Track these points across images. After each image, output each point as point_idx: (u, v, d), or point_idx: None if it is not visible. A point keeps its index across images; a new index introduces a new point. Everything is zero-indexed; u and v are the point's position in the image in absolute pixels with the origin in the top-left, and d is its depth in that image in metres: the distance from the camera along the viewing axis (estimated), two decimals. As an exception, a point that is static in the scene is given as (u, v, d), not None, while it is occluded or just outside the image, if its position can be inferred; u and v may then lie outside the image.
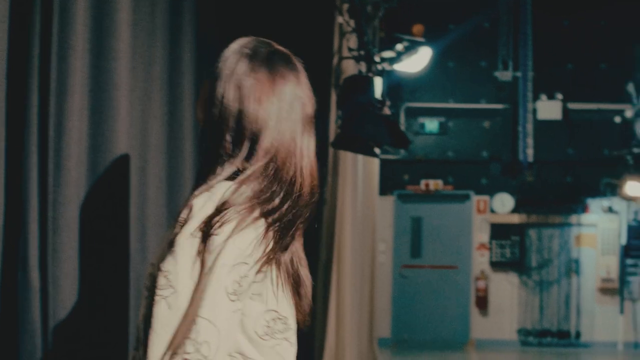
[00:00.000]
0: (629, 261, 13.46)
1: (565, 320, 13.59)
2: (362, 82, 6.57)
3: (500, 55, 13.74)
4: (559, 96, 13.60)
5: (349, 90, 6.50)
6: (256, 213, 2.01)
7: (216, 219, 1.96)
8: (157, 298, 1.97)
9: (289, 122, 2.12)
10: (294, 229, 2.10)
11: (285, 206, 2.08)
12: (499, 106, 13.83)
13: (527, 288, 13.62)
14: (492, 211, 13.70)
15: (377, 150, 6.82)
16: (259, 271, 2.01)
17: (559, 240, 13.65)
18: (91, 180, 2.84)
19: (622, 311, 13.44)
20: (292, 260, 2.13)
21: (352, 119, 6.35)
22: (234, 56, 2.14)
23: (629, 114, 13.12)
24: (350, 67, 7.62)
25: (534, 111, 13.67)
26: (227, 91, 2.11)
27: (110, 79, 2.90)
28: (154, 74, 3.39)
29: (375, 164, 10.74)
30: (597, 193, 13.67)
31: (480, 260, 13.68)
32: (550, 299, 13.60)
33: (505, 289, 13.65)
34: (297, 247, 2.16)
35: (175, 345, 1.92)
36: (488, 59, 13.88)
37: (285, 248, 2.09)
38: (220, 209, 1.97)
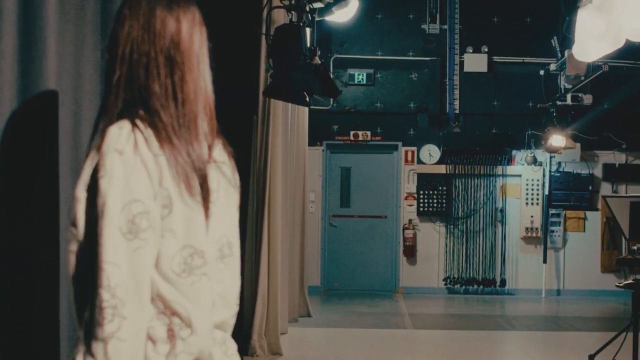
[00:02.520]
0: (552, 211, 13.67)
1: (491, 268, 13.71)
2: (293, 32, 6.54)
3: (428, 8, 13.79)
4: (485, 49, 13.73)
5: (280, 40, 6.49)
6: (141, 146, 1.96)
7: (100, 163, 1.93)
8: (68, 255, 1.98)
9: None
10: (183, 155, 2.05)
11: (171, 130, 2.04)
12: (427, 58, 13.85)
13: (453, 237, 13.73)
14: (420, 162, 13.75)
15: (307, 99, 6.85)
16: (163, 206, 1.98)
17: (485, 191, 13.77)
18: (20, 119, 2.79)
19: (545, 260, 13.66)
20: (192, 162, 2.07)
21: (283, 67, 6.36)
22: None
23: (552, 67, 13.32)
24: (281, 17, 7.63)
25: (461, 64, 13.76)
26: (130, 32, 2.10)
27: (39, 22, 2.86)
28: (87, 18, 3.35)
29: (304, 114, 10.74)
30: (522, 145, 13.76)
31: (409, 210, 13.74)
32: (476, 248, 13.73)
33: (433, 238, 13.74)
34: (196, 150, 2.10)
35: (90, 298, 1.90)
36: (416, 12, 13.85)
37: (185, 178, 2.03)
38: (102, 153, 1.94)
